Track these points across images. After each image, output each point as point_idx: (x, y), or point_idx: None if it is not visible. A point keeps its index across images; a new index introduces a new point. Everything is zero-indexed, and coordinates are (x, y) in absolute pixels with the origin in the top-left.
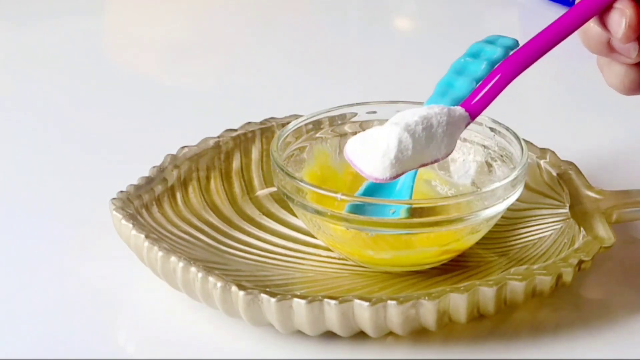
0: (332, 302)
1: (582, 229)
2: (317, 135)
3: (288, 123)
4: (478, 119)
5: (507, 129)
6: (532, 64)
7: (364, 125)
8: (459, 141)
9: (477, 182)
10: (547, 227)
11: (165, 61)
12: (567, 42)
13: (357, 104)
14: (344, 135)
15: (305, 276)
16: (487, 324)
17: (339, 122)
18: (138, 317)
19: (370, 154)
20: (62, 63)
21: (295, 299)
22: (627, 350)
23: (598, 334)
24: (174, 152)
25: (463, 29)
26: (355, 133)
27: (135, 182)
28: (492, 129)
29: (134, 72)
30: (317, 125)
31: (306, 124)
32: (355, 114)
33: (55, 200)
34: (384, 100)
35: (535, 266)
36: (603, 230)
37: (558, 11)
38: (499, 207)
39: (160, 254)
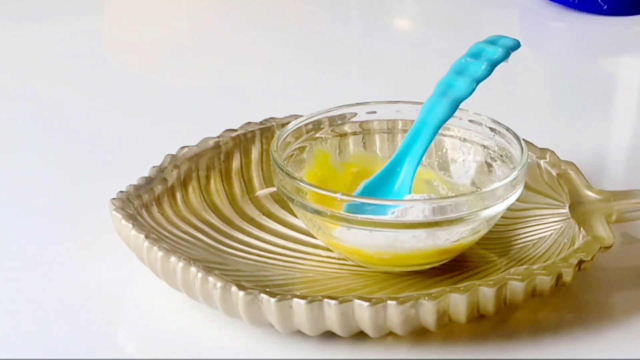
0: (332, 302)
1: (582, 229)
2: (317, 135)
3: (288, 123)
4: (478, 118)
5: (507, 129)
6: None
7: (364, 125)
8: (458, 141)
9: (477, 182)
10: (547, 227)
11: (165, 61)
12: (566, 42)
13: (357, 104)
14: (343, 136)
15: (305, 276)
16: (487, 324)
17: (339, 122)
18: (138, 317)
19: None
20: (62, 63)
21: (295, 299)
22: (627, 350)
23: (598, 334)
24: (174, 152)
25: (463, 29)
26: (355, 133)
27: (135, 182)
28: (492, 129)
29: (134, 72)
30: (317, 125)
31: (306, 124)
32: (355, 114)
33: (55, 200)
34: (384, 100)
35: (535, 266)
36: (603, 230)
37: (558, 11)
38: (499, 207)
39: (160, 254)
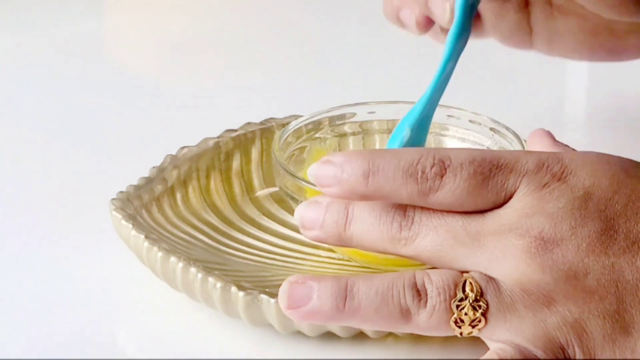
0: None
1: None
2: (317, 135)
3: (288, 123)
4: (478, 118)
5: (507, 128)
6: None
7: (363, 126)
8: (458, 141)
9: None
10: None
11: (165, 61)
12: None
13: (357, 104)
14: (343, 136)
15: None
16: None
17: (339, 122)
18: (138, 317)
19: None
20: (62, 63)
21: None
22: None
23: None
24: (174, 152)
25: None
26: (354, 133)
27: (135, 182)
28: (492, 129)
29: (133, 72)
30: (317, 125)
31: (306, 124)
32: (355, 114)
33: (55, 200)
34: (384, 100)
35: None
36: None
37: None
38: None
39: (160, 254)
